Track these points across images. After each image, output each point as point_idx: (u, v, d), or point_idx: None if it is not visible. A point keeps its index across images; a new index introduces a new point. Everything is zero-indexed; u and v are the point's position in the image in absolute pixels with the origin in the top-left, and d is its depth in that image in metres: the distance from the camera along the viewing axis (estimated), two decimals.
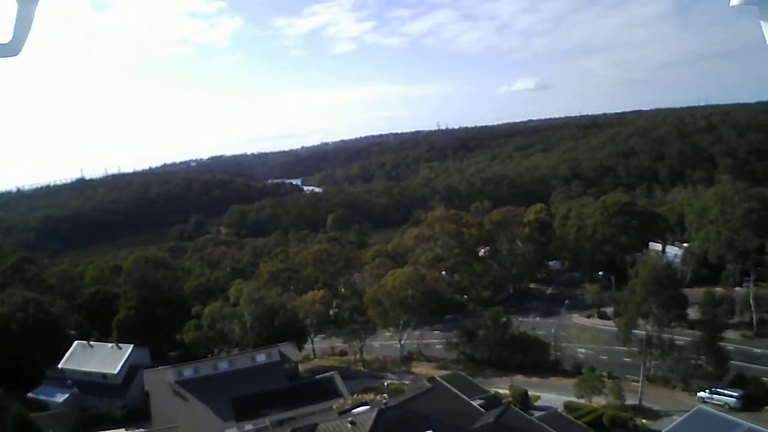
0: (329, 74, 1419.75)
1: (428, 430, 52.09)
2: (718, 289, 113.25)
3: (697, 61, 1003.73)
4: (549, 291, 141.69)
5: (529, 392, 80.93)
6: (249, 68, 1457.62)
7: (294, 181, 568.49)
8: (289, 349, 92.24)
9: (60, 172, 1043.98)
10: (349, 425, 54.97)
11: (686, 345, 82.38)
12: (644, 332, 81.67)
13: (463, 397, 65.15)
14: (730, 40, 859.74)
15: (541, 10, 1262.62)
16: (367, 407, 62.70)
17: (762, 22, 7.72)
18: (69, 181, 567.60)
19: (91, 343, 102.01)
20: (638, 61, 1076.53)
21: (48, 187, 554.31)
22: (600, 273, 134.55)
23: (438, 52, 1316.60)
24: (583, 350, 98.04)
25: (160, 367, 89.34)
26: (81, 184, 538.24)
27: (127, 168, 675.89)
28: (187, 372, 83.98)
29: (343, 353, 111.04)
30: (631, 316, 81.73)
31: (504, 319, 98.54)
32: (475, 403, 63.58)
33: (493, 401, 68.69)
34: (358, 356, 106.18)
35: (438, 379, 71.88)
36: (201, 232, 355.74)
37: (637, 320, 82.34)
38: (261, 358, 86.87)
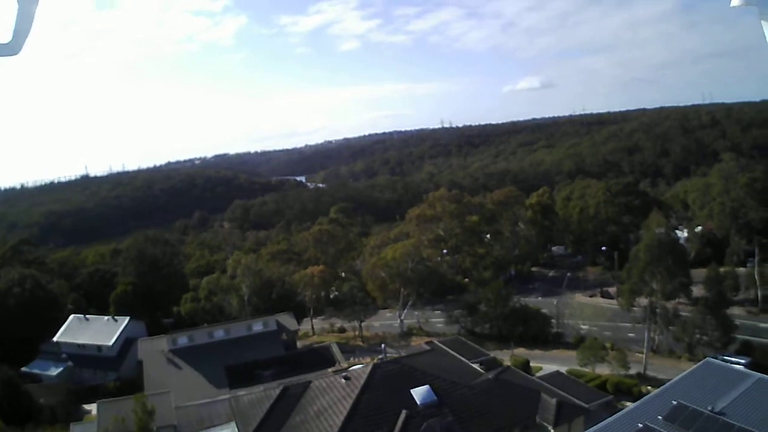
0: (334, 72, 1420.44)
1: (425, 384, 50.76)
2: (723, 270, 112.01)
3: (701, 60, 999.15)
4: (551, 274, 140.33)
5: (531, 363, 79.55)
6: (254, 66, 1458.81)
7: (298, 178, 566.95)
8: (286, 319, 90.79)
9: (64, 170, 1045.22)
10: (343, 380, 53.63)
11: (691, 311, 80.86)
12: (648, 302, 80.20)
13: (463, 359, 63.80)
14: (735, 39, 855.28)
15: (546, 8, 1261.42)
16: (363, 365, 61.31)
17: (762, 22, 7.76)
18: (73, 178, 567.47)
19: (87, 316, 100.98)
20: (642, 59, 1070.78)
21: (52, 183, 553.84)
22: (603, 248, 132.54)
23: (443, 51, 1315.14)
24: (585, 327, 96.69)
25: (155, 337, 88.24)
26: (85, 181, 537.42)
27: (132, 166, 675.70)
28: (182, 340, 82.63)
29: (342, 330, 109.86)
30: (634, 282, 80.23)
31: (504, 291, 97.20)
32: (474, 365, 62.26)
33: (493, 364, 67.23)
34: (357, 333, 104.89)
35: (437, 342, 70.62)
36: (204, 227, 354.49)
37: (641, 288, 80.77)
38: (257, 326, 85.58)
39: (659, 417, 39.82)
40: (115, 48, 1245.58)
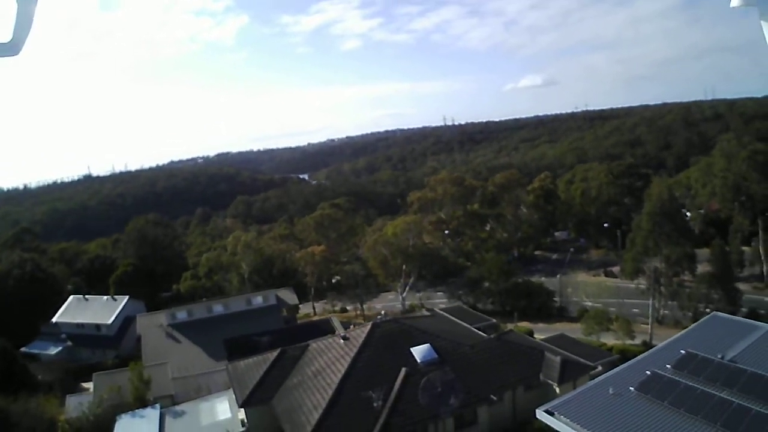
0: (336, 71, 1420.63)
1: (425, 343, 49.69)
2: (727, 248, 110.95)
3: (703, 55, 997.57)
4: (554, 257, 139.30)
5: (535, 335, 78.34)
6: (256, 66, 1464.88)
7: (301, 176, 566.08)
8: (286, 294, 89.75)
9: (67, 170, 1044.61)
10: (342, 341, 52.73)
11: (697, 278, 79.68)
12: (652, 270, 78.94)
13: (464, 324, 62.68)
14: (737, 35, 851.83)
15: (548, 6, 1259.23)
16: None
17: (762, 22, 7.65)
18: (76, 178, 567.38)
19: (86, 297, 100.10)
20: (645, 56, 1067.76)
21: (55, 183, 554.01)
22: (605, 225, 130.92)
23: (445, 49, 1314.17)
24: (589, 302, 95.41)
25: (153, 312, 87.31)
26: (88, 181, 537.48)
27: (134, 165, 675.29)
28: (181, 315, 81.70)
29: (343, 310, 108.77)
30: (637, 251, 79.00)
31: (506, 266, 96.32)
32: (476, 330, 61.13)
33: (494, 329, 66.10)
34: (359, 312, 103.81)
35: (437, 310, 69.54)
36: (207, 224, 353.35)
37: (644, 257, 79.56)
38: (257, 301, 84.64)
39: (668, 365, 38.76)
40: (117, 49, 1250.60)
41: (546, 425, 36.88)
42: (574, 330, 78.76)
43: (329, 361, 50.28)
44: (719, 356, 38.24)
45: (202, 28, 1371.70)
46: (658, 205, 76.90)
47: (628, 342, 72.67)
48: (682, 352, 40.01)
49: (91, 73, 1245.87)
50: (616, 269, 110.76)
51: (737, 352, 39.40)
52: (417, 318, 63.20)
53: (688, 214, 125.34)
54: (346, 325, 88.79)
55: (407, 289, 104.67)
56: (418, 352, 48.51)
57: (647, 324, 78.20)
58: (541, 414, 36.03)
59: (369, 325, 53.26)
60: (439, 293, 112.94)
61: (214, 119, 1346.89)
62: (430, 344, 49.44)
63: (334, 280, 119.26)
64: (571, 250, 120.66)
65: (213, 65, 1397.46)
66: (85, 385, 78.81)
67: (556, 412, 35.44)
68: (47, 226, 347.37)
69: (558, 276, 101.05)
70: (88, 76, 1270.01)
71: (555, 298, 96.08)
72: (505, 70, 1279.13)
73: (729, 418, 31.92)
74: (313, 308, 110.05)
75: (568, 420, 34.46)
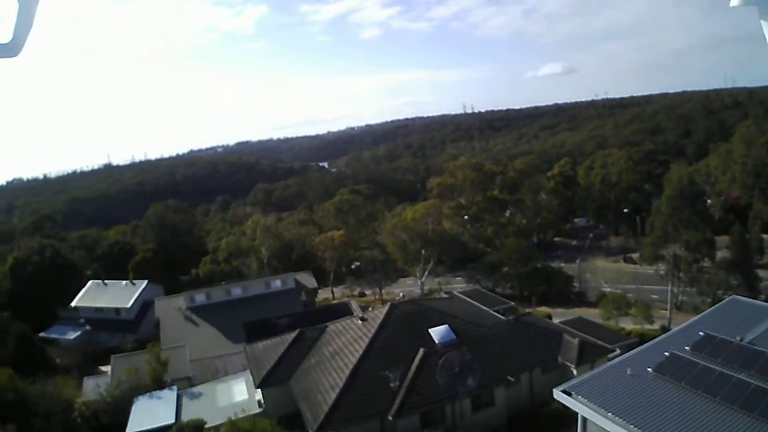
0: (355, 61, 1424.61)
1: (443, 324, 49.62)
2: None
3: (723, 44, 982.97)
4: (574, 243, 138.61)
5: (553, 319, 78.15)
6: (274, 55, 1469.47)
7: (321, 164, 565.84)
8: (305, 277, 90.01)
9: (87, 160, 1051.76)
10: (360, 322, 52.80)
11: (717, 263, 79.06)
12: (671, 255, 78.38)
13: (482, 307, 62.49)
14: (757, 22, 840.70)
15: None
16: None
17: (762, 22, 7.68)
18: (96, 167, 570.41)
19: (105, 281, 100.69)
20: (664, 44, 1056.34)
21: (74, 173, 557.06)
22: (625, 210, 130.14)
23: (464, 37, 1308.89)
24: (608, 288, 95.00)
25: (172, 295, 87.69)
26: (108, 170, 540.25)
27: (154, 155, 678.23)
28: (199, 298, 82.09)
29: (362, 295, 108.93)
30: (657, 236, 78.44)
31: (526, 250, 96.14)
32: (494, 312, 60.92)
33: (513, 312, 65.86)
34: (377, 297, 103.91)
35: (455, 293, 69.40)
36: (226, 212, 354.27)
37: (663, 241, 78.93)
38: (275, 284, 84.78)
39: (686, 347, 38.48)
40: (135, 41, 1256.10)
41: (563, 407, 36.77)
42: (592, 315, 78.30)
43: (347, 341, 50.34)
44: (738, 338, 37.91)
45: (221, 18, 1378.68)
46: (677, 189, 76.38)
47: (647, 327, 72.28)
48: (701, 334, 39.69)
49: (109, 65, 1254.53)
50: (635, 255, 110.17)
51: (756, 335, 39.01)
52: (435, 300, 63.11)
53: (708, 201, 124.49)
54: (364, 309, 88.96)
55: (426, 274, 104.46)
56: (436, 332, 48.43)
57: (666, 310, 77.71)
58: (558, 394, 35.88)
59: (387, 306, 53.26)
60: (458, 278, 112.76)
61: (233, 108, 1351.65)
62: (448, 325, 49.37)
63: (353, 266, 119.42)
64: (591, 235, 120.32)
65: (232, 55, 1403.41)
66: (103, 368, 79.34)
67: (573, 392, 35.28)
68: (67, 215, 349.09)
69: (577, 261, 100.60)
70: (107, 68, 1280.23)
71: (574, 284, 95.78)
72: (524, 58, 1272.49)
73: (747, 399, 31.67)
74: (332, 293, 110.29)
75: (585, 400, 34.32)
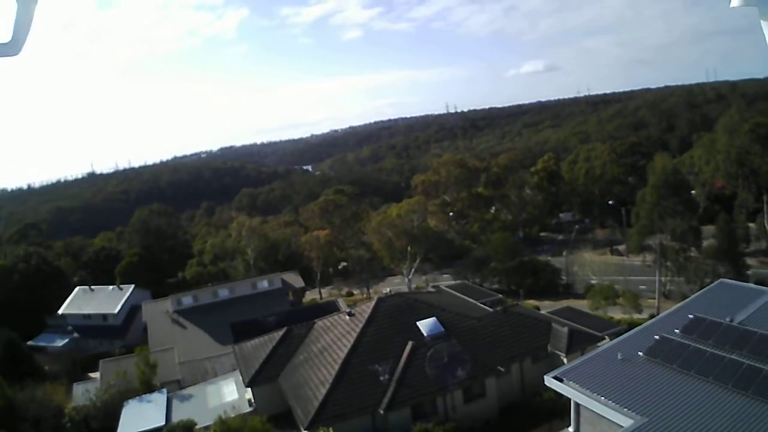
0: (337, 62, 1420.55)
1: (431, 317, 49.42)
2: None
3: (705, 38, 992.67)
4: (560, 237, 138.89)
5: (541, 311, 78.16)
6: (257, 59, 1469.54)
7: (305, 167, 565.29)
8: (292, 277, 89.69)
9: (71, 169, 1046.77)
10: (347, 317, 52.56)
11: (703, 251, 79.18)
12: (658, 243, 78.46)
13: (470, 299, 62.32)
14: (739, 17, 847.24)
15: None
16: None
17: (762, 22, 7.64)
18: (80, 176, 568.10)
19: (92, 287, 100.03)
20: (645, 39, 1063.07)
21: (58, 182, 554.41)
22: (610, 202, 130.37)
23: (446, 36, 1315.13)
24: (595, 280, 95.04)
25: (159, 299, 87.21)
26: (92, 178, 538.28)
27: (138, 162, 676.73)
28: (186, 300, 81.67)
29: (350, 294, 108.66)
30: (642, 225, 78.54)
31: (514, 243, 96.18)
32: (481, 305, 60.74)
33: (500, 304, 65.69)
34: (365, 295, 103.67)
35: (443, 287, 69.21)
36: (211, 217, 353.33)
37: (649, 230, 79.08)
38: (262, 284, 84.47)
39: (676, 330, 38.38)
40: (117, 46, 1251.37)
41: (555, 396, 36.65)
42: (580, 306, 78.31)
43: (335, 337, 50.09)
44: (728, 319, 37.83)
45: (202, 23, 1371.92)
46: (662, 178, 76.43)
47: (636, 316, 72.36)
48: (690, 316, 39.61)
49: (91, 71, 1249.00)
50: (621, 247, 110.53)
51: (745, 316, 38.92)
52: (422, 293, 62.90)
53: (693, 191, 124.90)
54: (352, 308, 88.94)
55: (413, 271, 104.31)
56: (424, 325, 48.27)
57: (654, 299, 77.82)
58: (550, 380, 35.70)
59: (374, 301, 53.01)
60: (445, 275, 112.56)
61: (216, 114, 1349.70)
62: (436, 317, 49.19)
63: (340, 266, 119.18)
64: (576, 227, 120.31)
65: (214, 59, 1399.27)
66: (92, 375, 78.86)
67: (564, 378, 35.16)
68: (52, 224, 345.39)
69: (564, 254, 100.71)
70: (89, 75, 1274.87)
71: (561, 276, 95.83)
72: (506, 56, 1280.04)
73: (740, 378, 31.56)
74: (320, 293, 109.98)
75: (577, 385, 34.19)
